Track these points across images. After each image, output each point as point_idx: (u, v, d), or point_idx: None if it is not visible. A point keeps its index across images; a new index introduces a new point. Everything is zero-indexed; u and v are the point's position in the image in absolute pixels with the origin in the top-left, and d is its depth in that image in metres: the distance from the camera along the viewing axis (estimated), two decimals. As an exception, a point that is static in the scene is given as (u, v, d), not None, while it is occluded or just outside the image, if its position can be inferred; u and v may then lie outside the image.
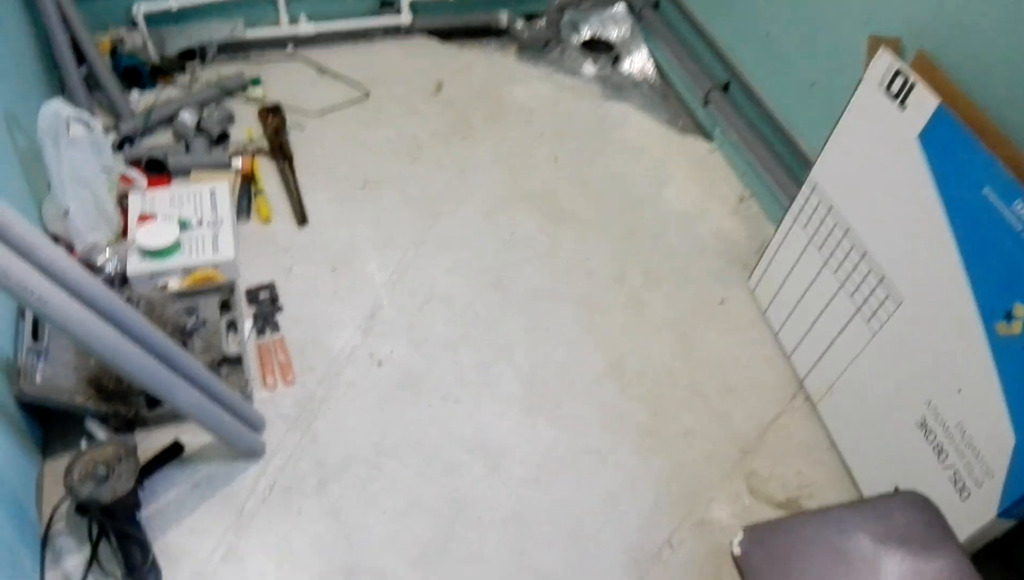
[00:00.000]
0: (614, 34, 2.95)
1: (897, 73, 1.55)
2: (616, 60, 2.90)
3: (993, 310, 1.37)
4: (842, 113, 1.71)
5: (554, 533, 1.59)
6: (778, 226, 1.96)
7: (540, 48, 2.92)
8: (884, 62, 1.58)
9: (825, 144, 1.77)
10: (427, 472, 1.67)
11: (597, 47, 2.93)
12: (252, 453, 1.64)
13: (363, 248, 2.11)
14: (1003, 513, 1.36)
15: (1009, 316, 1.34)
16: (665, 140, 2.56)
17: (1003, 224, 1.34)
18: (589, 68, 2.86)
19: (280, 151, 2.32)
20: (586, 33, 2.96)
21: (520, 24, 2.88)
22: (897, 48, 1.64)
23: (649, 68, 2.86)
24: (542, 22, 2.94)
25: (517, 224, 2.22)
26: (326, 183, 2.27)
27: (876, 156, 1.63)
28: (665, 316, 2.02)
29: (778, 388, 1.89)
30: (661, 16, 2.76)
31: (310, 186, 2.25)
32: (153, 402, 1.64)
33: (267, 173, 2.27)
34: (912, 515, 1.20)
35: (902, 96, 1.54)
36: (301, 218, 2.15)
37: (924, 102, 1.49)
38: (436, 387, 1.82)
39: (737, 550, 1.15)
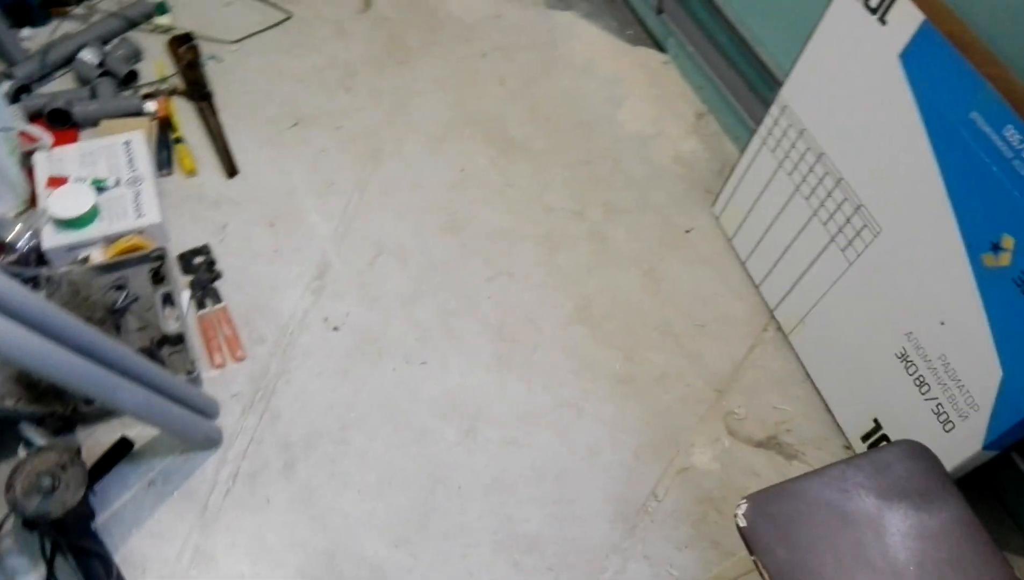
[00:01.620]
0: (551, -67, 2.72)
1: (877, -15, 1.43)
2: (556, -37, 2.68)
3: (979, 241, 1.32)
4: (815, 28, 1.59)
5: (537, 495, 1.54)
6: (744, 149, 1.86)
7: (472, -48, 2.68)
8: (862, -27, 1.46)
9: (796, 62, 1.66)
10: (398, 443, 1.58)
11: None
12: (209, 442, 1.52)
13: (302, 197, 1.94)
14: (989, 445, 1.36)
15: (996, 247, 1.29)
16: (615, 52, 2.40)
17: (992, 150, 1.27)
18: (527, -27, 2.63)
19: (197, 89, 2.09)
20: (521, -67, 2.71)
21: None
22: (872, -45, 1.52)
23: (592, -30, 2.66)
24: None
25: (467, 159, 2.07)
26: (253, 124, 2.06)
27: (853, 76, 1.53)
28: (629, 250, 1.94)
29: (748, 321, 1.84)
30: (602, -88, 2.54)
31: (235, 129, 2.04)
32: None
33: (185, 116, 2.05)
34: (911, 465, 1.17)
35: (882, 10, 1.43)
36: (230, 168, 1.96)
37: (907, 17, 1.39)
38: (398, 348, 1.71)
39: (742, 522, 1.10)
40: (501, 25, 2.43)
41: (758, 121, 1.97)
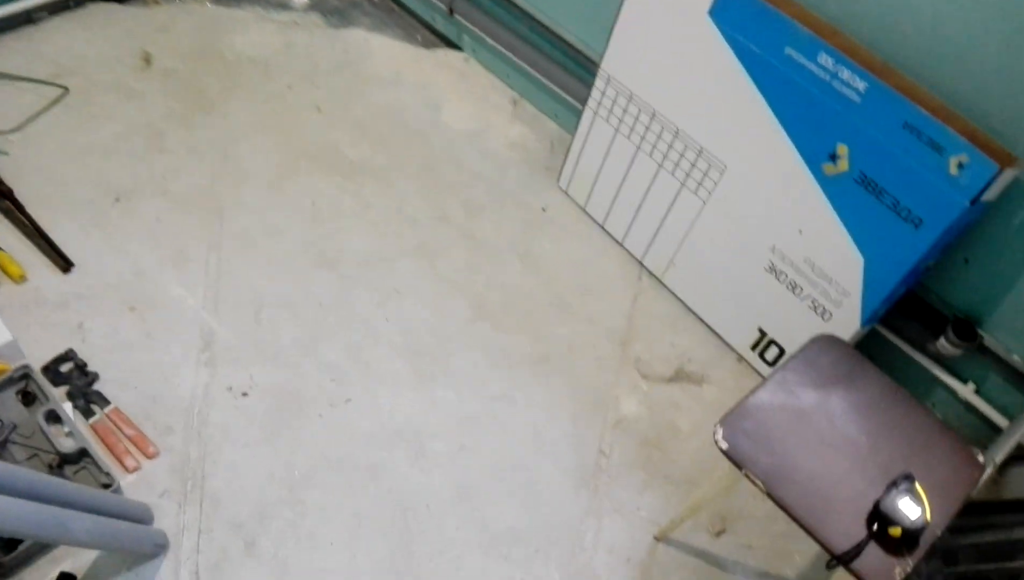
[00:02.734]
0: (312, -46, 2.69)
1: (675, -46, 1.61)
2: (325, -17, 2.66)
3: (817, 155, 1.55)
4: (621, 3, 1.75)
5: (502, 490, 1.59)
6: (577, 124, 2.00)
7: (237, -14, 2.59)
8: (658, -53, 1.63)
9: (610, 36, 1.81)
10: (353, 485, 1.55)
11: (300, -27, 2.66)
12: (156, 549, 1.40)
13: (155, 273, 1.80)
14: (866, 322, 1.60)
15: (834, 156, 1.52)
16: (415, 60, 2.45)
17: (810, 76, 1.49)
18: (300, -3, 2.60)
19: (-9, 189, 1.86)
20: (282, -41, 2.66)
21: (205, -37, 2.51)
22: (657, -71, 1.70)
23: (362, -17, 2.68)
24: (230, -44, 2.59)
25: (314, 192, 2.03)
26: (69, 210, 1.87)
27: (668, 39, 1.71)
28: (500, 240, 2.02)
29: (623, 275, 2.00)
30: (364, -73, 2.56)
31: (52, 220, 1.84)
32: (9, 544, 1.32)
33: (-12, 221, 1.82)
34: (831, 355, 1.36)
35: (683, -23, 1.61)
36: (62, 263, 1.77)
37: (708, -21, 1.58)
38: (318, 396, 1.67)
39: (723, 444, 1.23)
40: (294, 53, 2.39)
41: (571, 93, 2.13)
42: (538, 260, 1.99)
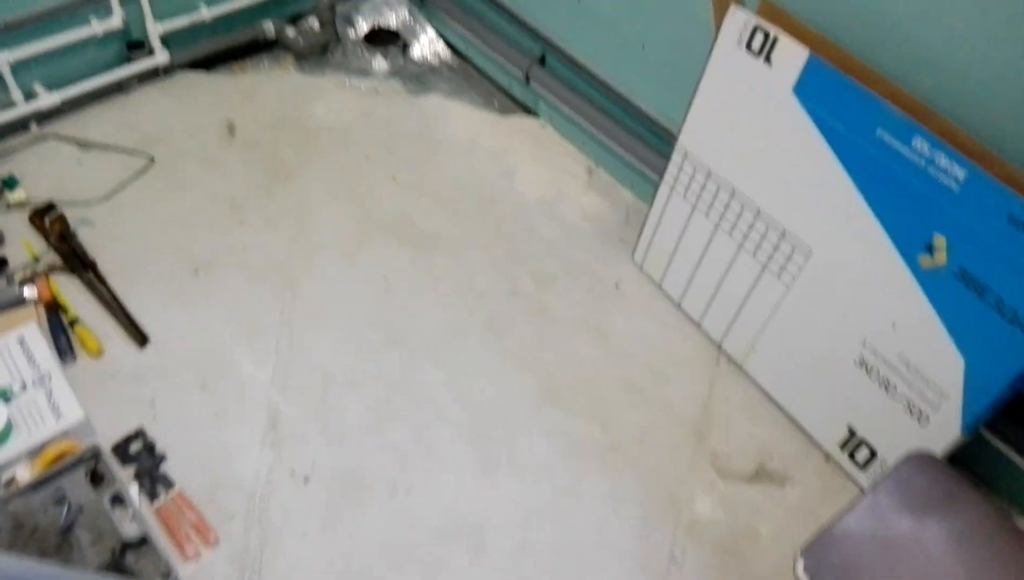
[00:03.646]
0: (393, 20, 2.73)
1: (756, 29, 1.53)
2: (405, 48, 2.69)
3: (911, 245, 1.42)
4: (700, 78, 1.68)
5: (566, 593, 1.51)
6: (652, 199, 1.93)
7: (320, 53, 2.65)
8: (739, 20, 1.56)
9: (688, 111, 1.74)
10: (411, 581, 1.50)
11: (381, 39, 2.70)
12: (212, 646, 1.38)
13: (227, 348, 1.82)
14: (967, 428, 1.46)
15: (930, 248, 1.40)
16: (491, 125, 2.43)
17: (905, 162, 1.38)
18: (380, 63, 2.63)
19: (77, 260, 1.92)
20: (364, 26, 2.72)
21: (290, 31, 2.57)
22: None
23: (441, 48, 2.69)
24: (314, 24, 2.65)
25: (385, 263, 2.02)
26: (150, 282, 1.92)
27: (750, 115, 1.62)
28: (570, 315, 1.95)
29: (700, 358, 1.90)
30: (443, -7, 2.58)
31: (132, 292, 1.89)
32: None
33: (72, 293, 1.88)
34: (927, 476, 1.24)
35: (765, 52, 1.53)
36: (139, 337, 1.81)
37: (792, 55, 1.49)
38: (379, 481, 1.63)
39: (804, 577, 1.12)
40: (374, 122, 2.41)
41: (647, 164, 2.06)
42: (610, 338, 1.92)
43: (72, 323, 1.80)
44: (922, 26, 1.38)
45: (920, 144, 1.35)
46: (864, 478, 1.68)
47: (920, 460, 1.25)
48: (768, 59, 1.53)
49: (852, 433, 1.67)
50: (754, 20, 1.53)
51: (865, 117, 1.41)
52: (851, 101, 1.42)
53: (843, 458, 1.70)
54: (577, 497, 1.64)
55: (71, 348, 1.76)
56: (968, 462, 1.65)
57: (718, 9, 1.61)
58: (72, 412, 1.59)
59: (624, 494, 1.65)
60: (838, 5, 1.48)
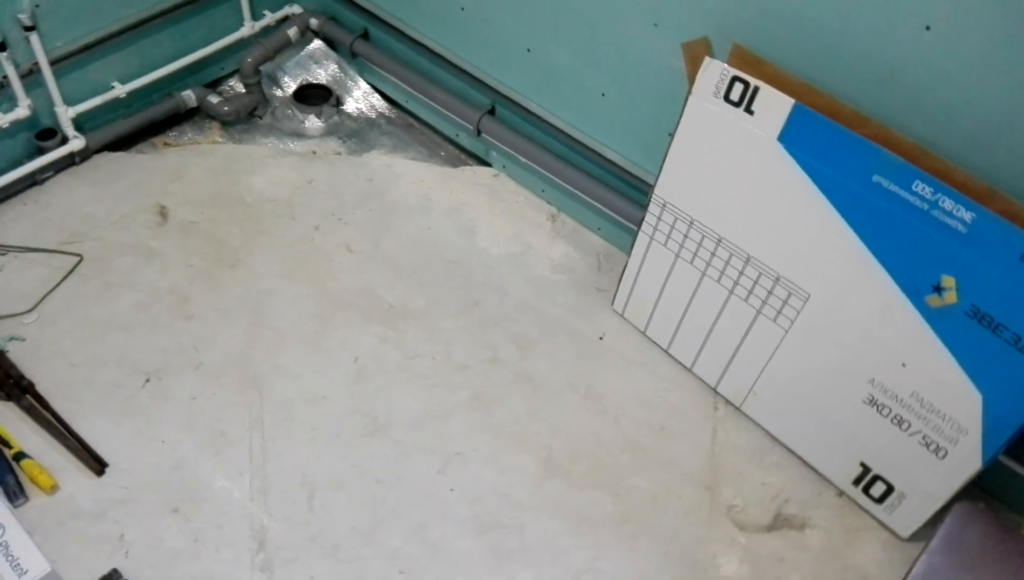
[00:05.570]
0: (323, 75, 2.60)
1: (735, 80, 1.48)
2: (338, 103, 2.56)
3: (917, 287, 1.40)
4: (676, 129, 1.62)
5: None
6: (631, 247, 1.86)
7: (247, 118, 2.49)
8: (715, 71, 1.51)
9: (664, 161, 1.68)
10: None
11: (311, 96, 2.56)
12: None
13: (194, 462, 1.65)
14: (989, 460, 1.44)
15: (939, 289, 1.37)
16: (443, 180, 2.33)
17: (906, 206, 1.35)
18: (314, 122, 2.49)
19: (12, 384, 1.71)
20: (292, 84, 2.57)
21: (213, 98, 2.40)
22: (706, 49, 1.58)
23: (377, 101, 2.57)
24: (238, 87, 2.50)
25: (352, 345, 1.89)
26: (96, 398, 1.73)
27: (733, 165, 1.57)
28: (557, 378, 1.87)
29: (697, 404, 1.85)
30: (375, 46, 2.45)
31: (79, 412, 1.70)
32: None
33: (13, 423, 1.67)
34: (978, 529, 1.21)
35: (746, 103, 1.49)
36: (95, 463, 1.62)
37: (775, 103, 1.45)
38: (387, 593, 1.50)
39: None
40: (317, 189, 2.27)
41: (613, 209, 1.99)
42: (602, 397, 1.84)
43: (17, 458, 1.60)
44: (910, 68, 1.36)
45: (922, 188, 1.32)
46: (881, 512, 1.65)
47: (966, 511, 1.22)
48: (749, 109, 1.49)
49: (866, 469, 1.63)
50: (732, 71, 1.48)
51: (859, 163, 1.38)
52: (843, 148, 1.39)
53: (858, 494, 1.67)
54: (597, 576, 1.55)
55: (21, 488, 1.56)
56: (993, 487, 1.64)
57: (691, 61, 1.56)
58: (37, 565, 1.40)
59: (646, 566, 1.57)
60: (818, 49, 1.45)
